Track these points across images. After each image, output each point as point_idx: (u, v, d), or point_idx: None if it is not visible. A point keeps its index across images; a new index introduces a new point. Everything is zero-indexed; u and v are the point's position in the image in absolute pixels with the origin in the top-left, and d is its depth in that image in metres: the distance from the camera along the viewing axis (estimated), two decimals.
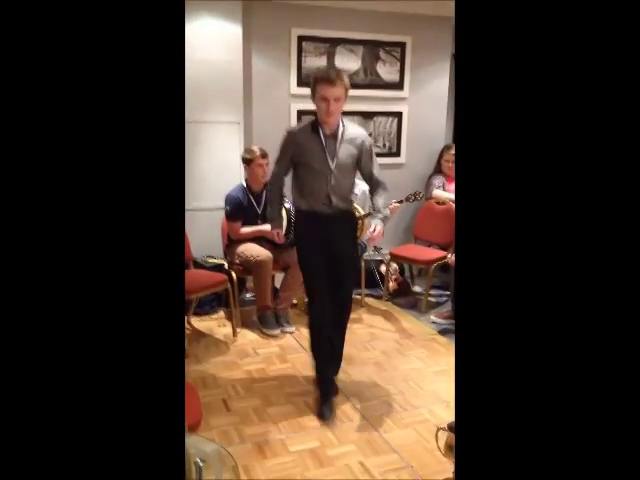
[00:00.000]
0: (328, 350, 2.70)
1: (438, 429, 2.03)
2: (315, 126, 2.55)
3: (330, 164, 2.54)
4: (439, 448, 2.02)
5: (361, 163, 2.64)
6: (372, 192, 2.71)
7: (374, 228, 2.51)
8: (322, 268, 2.59)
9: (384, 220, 2.59)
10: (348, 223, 2.71)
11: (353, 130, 2.63)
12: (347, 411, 2.61)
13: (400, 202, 3.59)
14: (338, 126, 2.56)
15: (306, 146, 2.55)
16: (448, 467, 2.03)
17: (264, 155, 3.51)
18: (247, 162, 3.57)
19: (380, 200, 2.64)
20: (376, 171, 2.67)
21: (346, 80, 2.46)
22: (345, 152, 2.58)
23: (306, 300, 2.76)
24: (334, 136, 2.55)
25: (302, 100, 4.02)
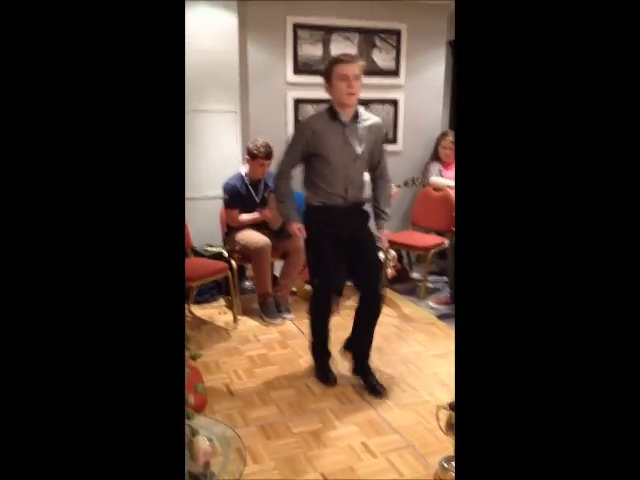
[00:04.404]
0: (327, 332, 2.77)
1: (438, 407, 2.07)
2: (333, 113, 2.41)
3: (355, 150, 2.42)
4: (440, 427, 2.06)
5: (375, 151, 2.53)
6: (377, 185, 2.63)
7: (383, 234, 2.61)
8: (334, 267, 2.57)
9: (387, 220, 2.63)
10: (363, 214, 2.61)
11: (367, 115, 2.52)
12: (348, 393, 2.65)
13: (398, 187, 3.64)
14: (356, 111, 2.44)
15: (325, 135, 2.40)
16: (448, 445, 2.07)
17: (268, 156, 3.50)
18: (251, 156, 3.52)
19: (384, 198, 2.63)
20: (384, 160, 2.58)
21: (362, 62, 2.41)
22: (367, 138, 2.46)
23: (309, 289, 2.76)
24: (353, 122, 2.43)
25: (298, 88, 4.02)
